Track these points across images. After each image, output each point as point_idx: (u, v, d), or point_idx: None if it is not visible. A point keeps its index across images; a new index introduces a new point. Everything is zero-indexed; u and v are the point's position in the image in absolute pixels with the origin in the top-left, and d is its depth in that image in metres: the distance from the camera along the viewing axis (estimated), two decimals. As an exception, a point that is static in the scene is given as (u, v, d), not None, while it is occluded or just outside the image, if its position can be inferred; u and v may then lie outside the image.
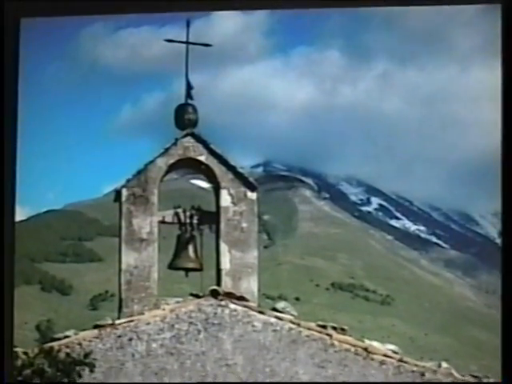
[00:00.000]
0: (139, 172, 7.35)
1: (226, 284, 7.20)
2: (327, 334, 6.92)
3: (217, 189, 7.50)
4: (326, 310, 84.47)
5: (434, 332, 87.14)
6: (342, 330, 7.03)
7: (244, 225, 7.36)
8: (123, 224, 7.25)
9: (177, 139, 7.46)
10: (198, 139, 7.47)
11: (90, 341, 6.68)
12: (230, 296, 6.94)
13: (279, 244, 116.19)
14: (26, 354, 6.15)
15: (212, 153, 7.45)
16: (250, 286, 7.27)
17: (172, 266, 7.45)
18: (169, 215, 7.42)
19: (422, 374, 6.95)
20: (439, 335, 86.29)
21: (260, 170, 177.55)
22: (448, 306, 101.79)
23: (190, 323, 6.82)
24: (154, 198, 7.32)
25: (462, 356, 70.10)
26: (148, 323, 6.80)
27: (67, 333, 6.80)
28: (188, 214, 7.42)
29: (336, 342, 6.89)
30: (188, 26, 7.55)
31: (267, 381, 6.76)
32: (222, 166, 7.44)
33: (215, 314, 6.87)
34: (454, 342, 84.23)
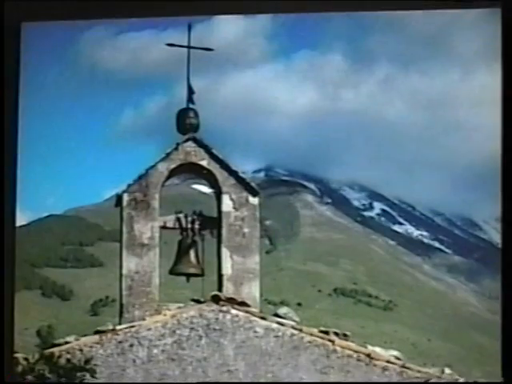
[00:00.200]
0: (140, 177, 7.32)
1: (228, 289, 7.17)
2: (329, 340, 6.88)
3: (218, 194, 7.48)
4: (329, 315, 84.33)
5: (437, 338, 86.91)
6: (345, 335, 6.99)
7: (246, 230, 7.33)
8: (124, 229, 7.22)
9: (178, 144, 7.44)
10: (200, 144, 7.45)
11: (90, 346, 6.65)
12: (231, 301, 6.91)
13: (281, 249, 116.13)
14: (26, 359, 6.12)
15: (214, 158, 7.43)
16: (252, 291, 7.24)
17: (173, 272, 7.42)
18: (170, 220, 7.39)
19: (425, 380, 6.90)
20: (442, 341, 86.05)
21: (262, 174, 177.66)
22: (451, 311, 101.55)
23: (192, 329, 6.79)
24: (156, 203, 7.30)
25: (465, 362, 69.83)
26: (149, 329, 6.77)
27: (68, 338, 6.77)
28: (189, 219, 7.39)
29: (338, 348, 6.85)
30: (189, 30, 7.55)
31: (269, 387, 6.71)
32: (224, 170, 7.42)
33: (217, 319, 6.84)
34: (457, 348, 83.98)
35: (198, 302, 6.94)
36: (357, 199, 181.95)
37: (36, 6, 4.88)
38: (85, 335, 6.88)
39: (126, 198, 7.27)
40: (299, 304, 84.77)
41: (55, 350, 6.48)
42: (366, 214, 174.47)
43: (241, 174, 7.48)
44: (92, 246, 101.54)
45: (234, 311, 6.87)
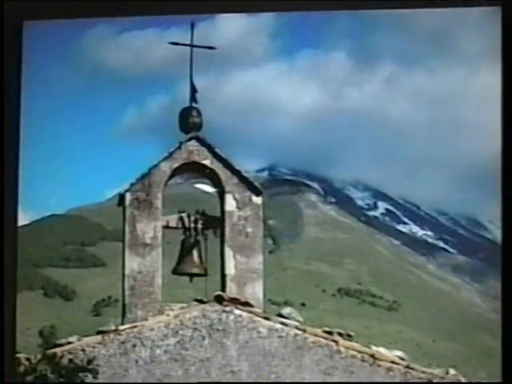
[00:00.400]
0: (143, 176, 7.29)
1: (231, 289, 7.14)
2: (333, 341, 6.84)
3: (221, 193, 7.44)
4: (332, 315, 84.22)
5: (442, 338, 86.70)
6: (349, 336, 6.95)
7: (249, 230, 7.29)
8: (127, 229, 7.19)
9: (181, 143, 7.40)
10: (203, 143, 7.41)
11: (93, 347, 6.62)
12: (234, 302, 6.87)
13: (285, 249, 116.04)
14: (28, 360, 6.09)
15: (217, 157, 7.39)
16: (255, 291, 7.20)
17: (176, 272, 7.39)
18: (173, 220, 7.35)
19: (430, 381, 6.85)
20: (447, 341, 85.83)
21: (265, 174, 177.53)
22: (456, 311, 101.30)
23: (195, 329, 6.75)
24: (158, 203, 7.27)
25: (470, 362, 69.69)
26: (152, 329, 6.73)
27: (70, 339, 6.74)
28: (192, 218, 7.36)
29: (342, 349, 6.81)
30: (192, 28, 7.51)
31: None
32: (227, 170, 7.38)
33: (220, 319, 6.80)
34: (462, 349, 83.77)
35: (201, 302, 6.91)
36: (361, 199, 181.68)
37: (38, 4, 4.84)
38: (87, 335, 6.84)
39: (128, 197, 7.24)
40: (303, 304, 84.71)
41: (57, 350, 6.46)
42: (370, 213, 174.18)
43: (244, 173, 7.44)
44: (94, 245, 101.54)
45: (237, 311, 6.83)
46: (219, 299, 6.86)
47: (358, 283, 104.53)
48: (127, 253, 7.15)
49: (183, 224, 7.34)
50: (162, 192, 7.33)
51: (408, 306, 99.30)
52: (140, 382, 6.63)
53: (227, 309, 6.83)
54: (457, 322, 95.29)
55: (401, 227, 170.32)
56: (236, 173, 7.39)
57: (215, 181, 7.54)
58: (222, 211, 7.37)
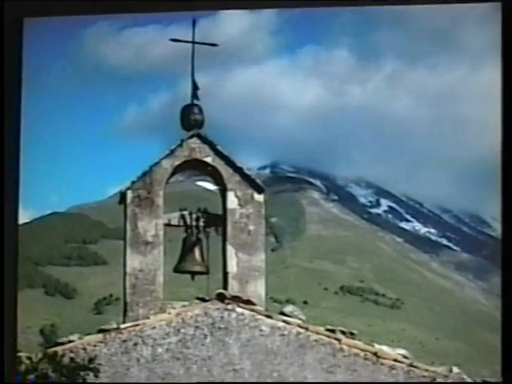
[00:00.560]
0: (144, 174, 7.26)
1: (233, 287, 7.10)
2: (336, 339, 6.80)
3: (223, 191, 7.40)
4: (335, 313, 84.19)
5: (445, 336, 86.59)
6: (351, 334, 6.92)
7: (251, 227, 7.26)
8: (128, 227, 7.16)
9: (182, 140, 7.36)
10: (204, 140, 7.38)
11: (94, 345, 6.59)
12: (236, 300, 6.84)
13: (287, 247, 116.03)
14: (29, 358, 6.07)
15: (218, 154, 7.36)
16: (258, 289, 7.17)
17: (178, 270, 7.36)
18: (174, 218, 7.32)
19: (433, 379, 6.81)
20: (450, 339, 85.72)
21: (267, 171, 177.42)
22: (459, 309, 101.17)
23: (196, 327, 6.72)
24: (160, 201, 7.23)
25: (474, 361, 69.57)
26: (153, 327, 6.71)
27: (71, 337, 6.72)
28: (194, 216, 7.32)
29: (345, 347, 6.77)
30: (194, 25, 7.47)
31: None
32: (229, 167, 7.35)
33: (222, 318, 6.77)
34: (466, 347, 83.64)
35: (202, 300, 6.88)
36: (363, 196, 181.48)
37: (38, 2, 4.81)
38: (88, 334, 6.82)
39: (129, 195, 7.21)
40: (305, 302, 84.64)
41: (58, 348, 6.44)
42: (373, 210, 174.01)
43: (246, 171, 7.40)
44: (95, 243, 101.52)
45: (239, 309, 6.80)
46: (221, 297, 6.83)
47: (361, 281, 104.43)
48: (128, 251, 7.12)
49: (185, 222, 7.31)
50: (164, 190, 7.29)
51: (411, 304, 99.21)
52: (142, 380, 6.60)
53: (229, 307, 6.80)
54: (460, 320, 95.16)
55: (404, 225, 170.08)
56: (238, 170, 7.35)
57: (217, 178, 7.51)
58: (224, 209, 7.34)
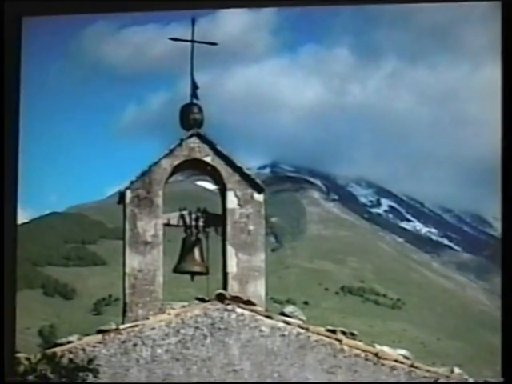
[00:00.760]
0: (143, 173, 7.22)
1: (233, 288, 7.07)
2: (336, 339, 6.77)
3: (223, 190, 7.37)
4: (336, 314, 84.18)
5: (447, 337, 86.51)
6: (352, 334, 6.88)
7: (251, 227, 7.22)
8: (127, 227, 7.12)
9: (182, 140, 7.33)
10: (204, 140, 7.34)
11: (93, 346, 6.56)
12: (236, 300, 6.81)
13: (287, 247, 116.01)
14: (28, 359, 6.04)
15: (218, 154, 7.32)
16: (258, 289, 7.13)
17: (177, 270, 7.32)
18: (174, 218, 7.28)
19: (436, 380, 6.77)
20: (452, 340, 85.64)
21: (267, 171, 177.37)
22: (460, 310, 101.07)
23: (196, 328, 6.69)
24: (159, 200, 7.19)
25: (476, 361, 69.53)
26: (153, 328, 6.67)
27: (70, 338, 6.68)
28: (193, 216, 7.29)
29: (346, 347, 6.73)
30: (193, 24, 7.43)
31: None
32: (229, 167, 7.31)
33: (221, 318, 6.73)
34: (467, 347, 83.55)
35: (202, 300, 6.84)
36: (364, 196, 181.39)
37: (37, 1, 4.78)
38: (87, 335, 6.78)
39: (128, 194, 7.17)
40: (306, 302, 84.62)
41: (57, 349, 6.40)
42: (374, 210, 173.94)
43: (246, 171, 7.36)
44: (95, 243, 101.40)
45: (239, 310, 6.76)
46: (221, 298, 6.79)
47: (362, 281, 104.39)
48: (128, 251, 7.08)
49: (184, 222, 7.27)
50: (163, 189, 7.26)
51: (412, 305, 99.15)
52: (141, 381, 6.56)
53: (229, 307, 6.76)
54: (462, 321, 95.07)
55: (404, 224, 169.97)
56: (238, 170, 7.31)
57: (216, 178, 7.47)
58: (224, 209, 7.30)
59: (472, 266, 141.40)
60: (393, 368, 6.76)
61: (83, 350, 6.53)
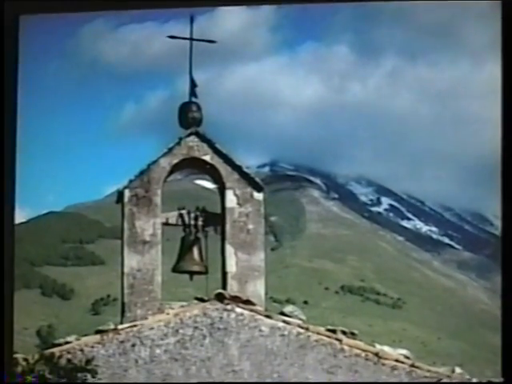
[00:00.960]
0: (142, 172, 7.19)
1: (232, 287, 7.03)
2: (337, 339, 6.73)
3: (222, 189, 7.34)
4: (336, 313, 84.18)
5: (447, 336, 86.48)
6: (352, 334, 6.85)
7: (250, 226, 7.18)
8: (125, 226, 7.09)
9: (180, 138, 7.29)
10: (203, 138, 7.30)
11: (91, 346, 6.52)
12: (236, 300, 6.77)
13: (287, 246, 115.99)
14: (26, 360, 6.01)
15: (217, 152, 7.28)
16: (257, 289, 7.10)
17: (176, 269, 7.29)
18: (172, 217, 7.25)
19: (438, 380, 6.73)
20: (452, 339, 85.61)
21: (266, 169, 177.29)
22: (461, 309, 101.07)
23: (195, 328, 6.65)
24: (158, 199, 7.16)
25: (477, 361, 69.51)
26: (151, 328, 6.63)
27: (68, 338, 6.65)
28: (192, 215, 7.25)
29: (346, 347, 6.70)
30: (192, 22, 7.40)
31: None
32: (228, 165, 7.27)
33: (221, 318, 6.70)
34: (468, 347, 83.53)
35: (201, 300, 6.81)
36: (364, 194, 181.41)
37: (34, -1, 4.73)
38: (86, 335, 6.75)
39: (127, 194, 7.14)
40: (305, 302, 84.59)
41: (55, 350, 6.37)
42: (374, 209, 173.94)
43: (245, 169, 7.33)
44: (93, 243, 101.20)
45: (238, 310, 6.73)
46: (220, 297, 6.76)
47: (362, 280, 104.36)
48: (126, 250, 7.05)
49: (183, 221, 7.24)
50: (162, 188, 7.23)
51: (412, 304, 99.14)
52: (140, 382, 6.53)
53: (228, 307, 6.73)
54: (462, 320, 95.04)
55: (405, 223, 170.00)
56: (237, 168, 7.28)
57: (215, 177, 7.44)
58: (223, 208, 7.27)
59: (473, 265, 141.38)
60: (393, 368, 6.72)
61: (81, 350, 6.49)
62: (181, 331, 6.64)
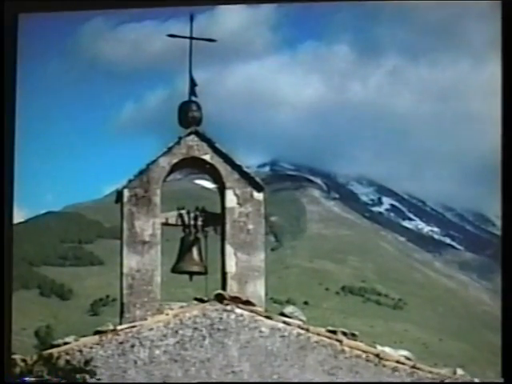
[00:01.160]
0: (141, 172, 7.16)
1: (232, 288, 7.00)
2: (337, 340, 6.70)
3: (222, 189, 7.30)
4: (336, 314, 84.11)
5: (449, 337, 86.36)
6: (353, 335, 6.82)
7: (250, 226, 7.15)
8: (125, 226, 7.06)
9: (180, 138, 7.26)
10: (203, 138, 7.27)
11: (90, 347, 6.49)
12: (235, 300, 6.74)
13: (287, 246, 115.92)
14: (24, 361, 5.98)
15: (217, 152, 7.25)
16: (257, 289, 7.07)
17: (175, 270, 7.26)
18: (172, 217, 7.22)
19: (441, 381, 6.70)
20: (454, 340, 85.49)
21: (267, 169, 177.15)
22: (463, 310, 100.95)
23: (195, 329, 6.62)
24: (157, 199, 7.13)
25: (478, 362, 69.40)
26: (151, 329, 6.60)
27: (67, 339, 6.62)
28: (192, 215, 7.22)
29: (346, 348, 6.67)
30: (192, 20, 7.37)
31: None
32: (228, 165, 7.24)
33: (220, 319, 6.66)
34: (470, 348, 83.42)
35: (201, 301, 6.77)
36: (365, 194, 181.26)
37: (33, -2, 4.70)
38: (84, 336, 6.72)
39: (126, 193, 7.11)
40: (306, 303, 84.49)
41: (54, 350, 6.35)
42: (375, 209, 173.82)
43: (245, 169, 7.30)
44: (92, 243, 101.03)
45: (238, 310, 6.69)
46: (220, 298, 6.72)
47: (363, 281, 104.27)
48: (125, 251, 7.02)
49: (183, 221, 7.21)
50: (161, 188, 7.20)
51: (414, 305, 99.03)
52: (139, 383, 6.49)
53: (228, 308, 6.69)
54: (464, 321, 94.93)
55: (406, 223, 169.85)
56: (237, 168, 7.25)
57: (215, 176, 7.41)
58: (223, 208, 7.24)
59: (474, 266, 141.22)
60: (394, 369, 6.69)
61: (80, 351, 6.46)
62: (180, 332, 6.61)
